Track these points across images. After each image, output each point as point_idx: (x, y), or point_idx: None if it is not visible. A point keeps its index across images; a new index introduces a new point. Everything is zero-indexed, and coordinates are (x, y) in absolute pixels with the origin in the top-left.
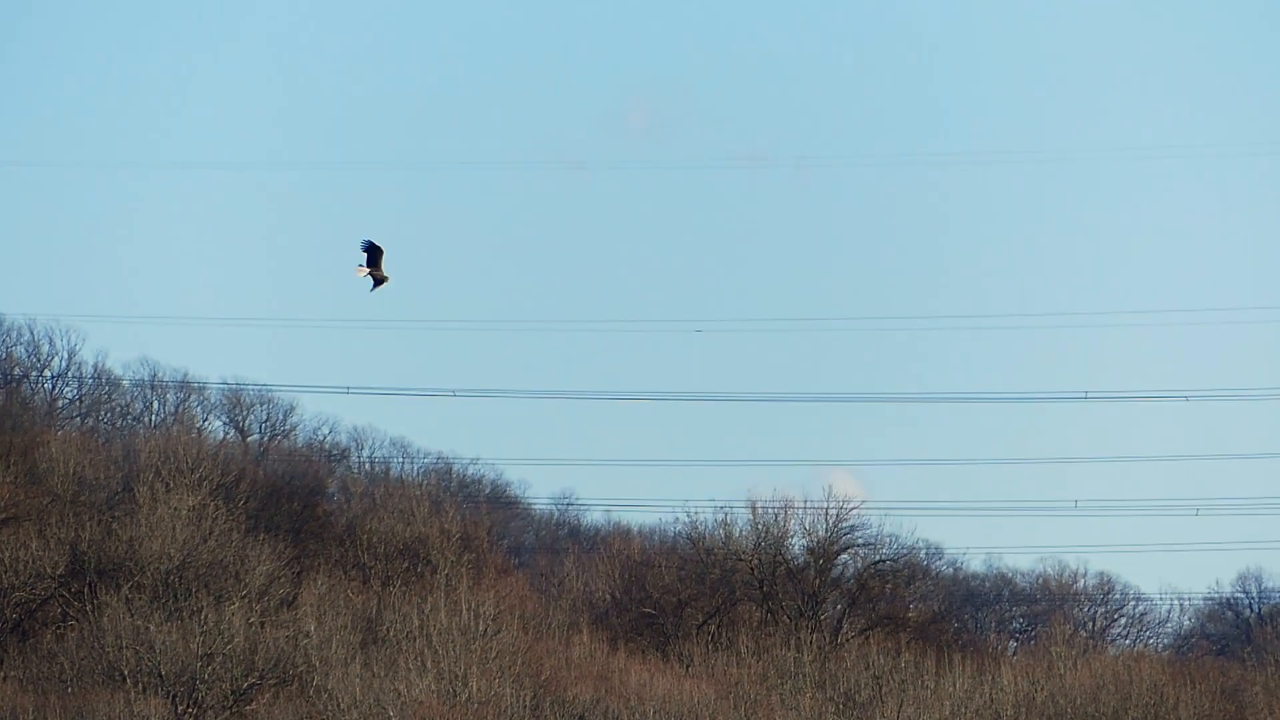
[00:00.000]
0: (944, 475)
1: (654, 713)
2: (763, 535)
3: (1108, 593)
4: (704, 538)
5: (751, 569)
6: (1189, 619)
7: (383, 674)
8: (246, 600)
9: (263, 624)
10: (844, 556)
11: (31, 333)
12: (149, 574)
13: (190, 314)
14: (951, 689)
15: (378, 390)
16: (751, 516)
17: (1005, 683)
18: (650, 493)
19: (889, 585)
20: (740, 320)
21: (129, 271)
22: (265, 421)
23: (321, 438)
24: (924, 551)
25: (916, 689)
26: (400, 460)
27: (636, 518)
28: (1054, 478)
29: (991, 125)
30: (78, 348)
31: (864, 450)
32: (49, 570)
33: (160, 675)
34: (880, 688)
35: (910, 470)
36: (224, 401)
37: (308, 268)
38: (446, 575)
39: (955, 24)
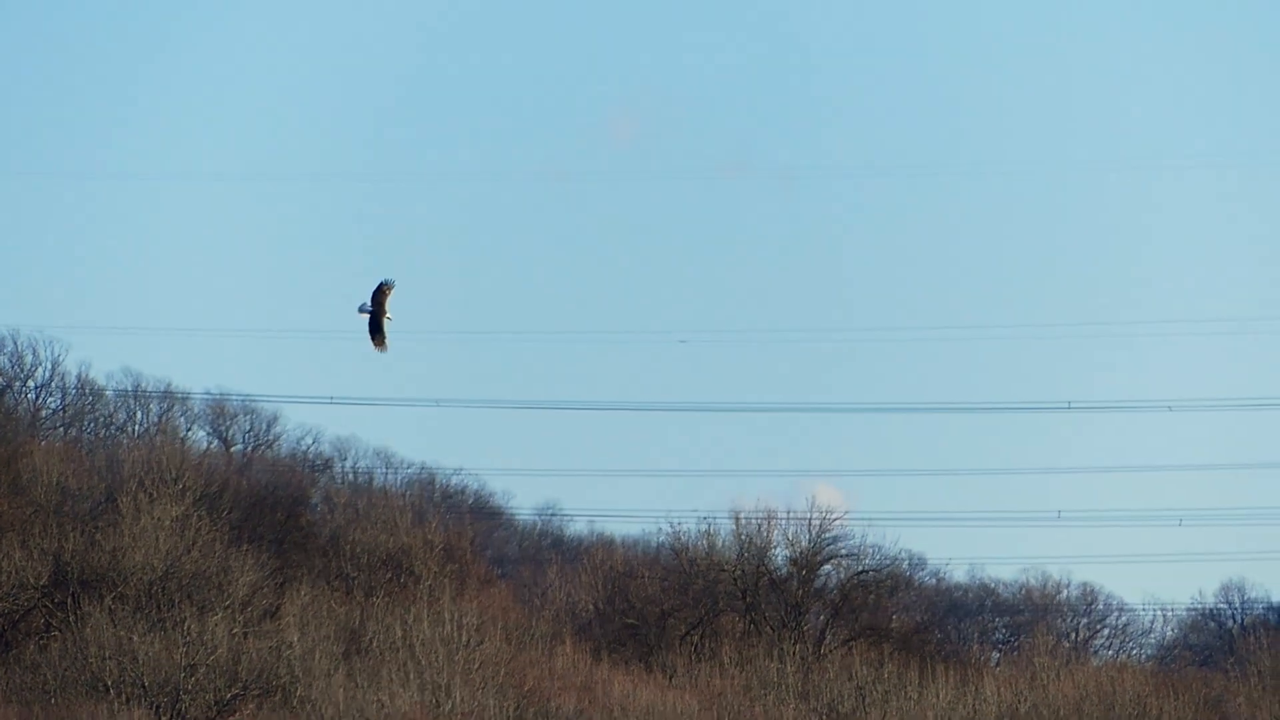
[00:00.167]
0: (927, 486)
1: None
2: (746, 546)
3: (1091, 603)
4: (687, 548)
5: (734, 580)
6: (1172, 630)
7: (366, 685)
8: (230, 611)
9: (246, 635)
10: (827, 567)
11: (14, 343)
12: (132, 584)
13: (173, 324)
14: (935, 700)
15: (361, 401)
16: (734, 527)
17: (988, 694)
18: (633, 503)
19: (872, 596)
20: (724, 330)
21: (112, 282)
22: (249, 432)
23: (305, 448)
24: (907, 562)
25: (900, 700)
26: (383, 471)
27: (620, 528)
28: (1037, 488)
29: (978, 136)
30: (61, 358)
31: (847, 460)
32: (32, 581)
33: (143, 686)
34: (863, 699)
35: (893, 480)
36: (207, 412)
37: (292, 278)
38: (430, 586)
39: (942, 34)
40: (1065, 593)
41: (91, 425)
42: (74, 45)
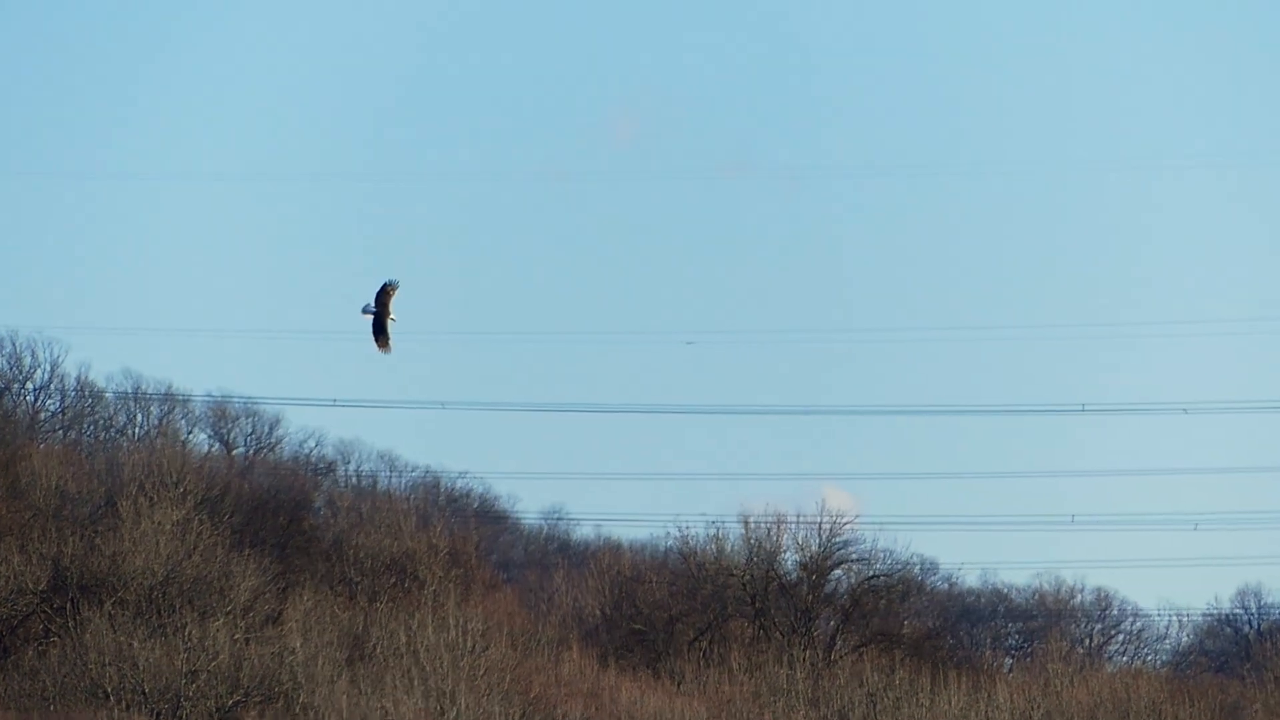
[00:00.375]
0: (939, 489)
1: None
2: (755, 550)
3: (1105, 608)
4: (695, 553)
5: (744, 584)
6: (1188, 635)
7: (369, 691)
8: (231, 616)
9: (248, 641)
10: (837, 572)
11: (13, 345)
12: (132, 590)
13: (174, 325)
14: (946, 707)
15: (365, 403)
16: (744, 531)
17: (1001, 700)
18: (641, 507)
19: (883, 601)
20: (732, 331)
21: (112, 282)
22: (250, 434)
23: (308, 451)
24: (919, 567)
25: (911, 707)
26: (387, 474)
27: (627, 532)
28: (1050, 491)
29: (986, 136)
30: (60, 360)
31: (858, 464)
32: (31, 586)
33: (144, 693)
34: (874, 705)
35: (905, 484)
36: (209, 414)
37: (293, 278)
38: (434, 591)
39: (945, 33)
40: (1079, 598)
41: (91, 428)
42: (74, 45)
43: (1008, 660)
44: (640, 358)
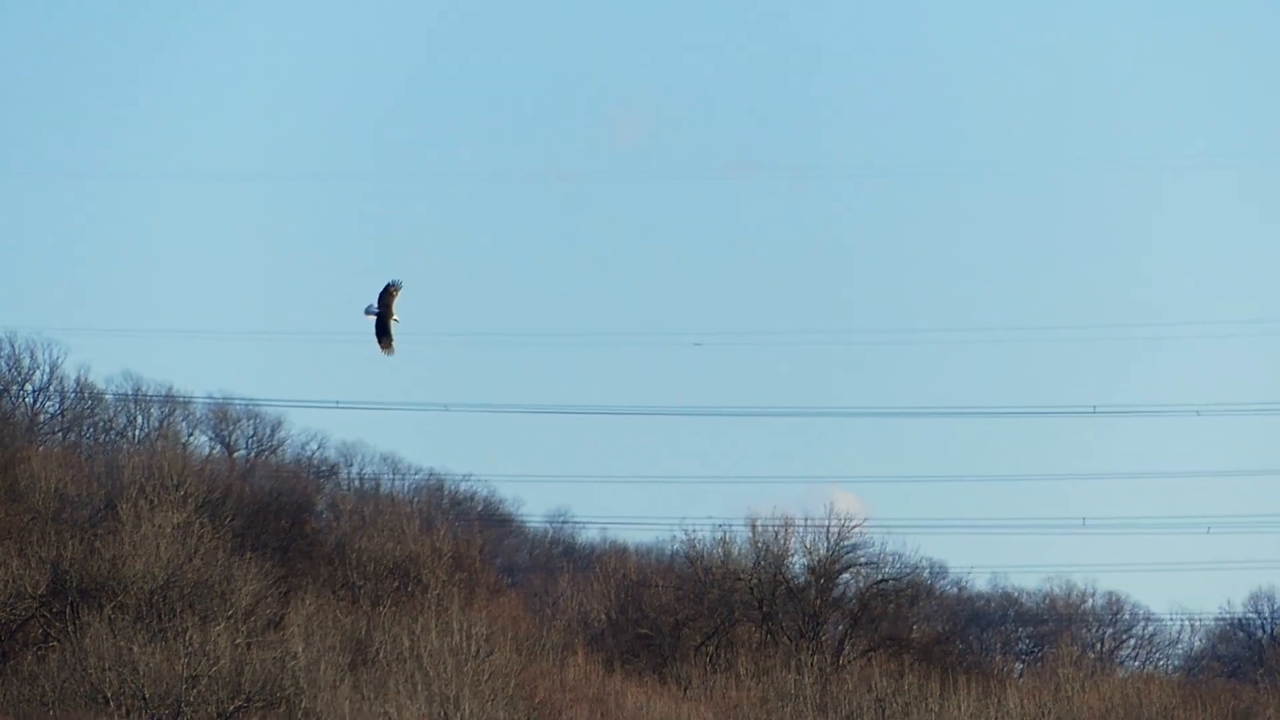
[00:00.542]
0: (948, 492)
1: None
2: (762, 554)
3: (1116, 613)
4: (702, 556)
5: (751, 589)
6: (1200, 640)
7: (372, 696)
8: (232, 621)
9: (249, 645)
10: (845, 576)
11: (12, 346)
12: (132, 594)
13: (175, 327)
14: (956, 712)
15: (367, 405)
16: (751, 535)
17: (1011, 706)
18: (647, 510)
19: (892, 605)
20: (739, 333)
21: (112, 283)
22: (252, 437)
23: (310, 454)
24: (928, 571)
25: (920, 712)
26: (391, 477)
27: (633, 536)
28: (1061, 494)
29: (994, 133)
30: (59, 361)
31: (866, 466)
32: (30, 590)
33: (144, 698)
34: (883, 711)
35: (913, 487)
36: (210, 416)
37: (295, 279)
38: (438, 595)
39: (951, 31)
40: (1090, 602)
41: (91, 430)
42: (74, 45)
43: (1018, 665)
44: (646, 359)
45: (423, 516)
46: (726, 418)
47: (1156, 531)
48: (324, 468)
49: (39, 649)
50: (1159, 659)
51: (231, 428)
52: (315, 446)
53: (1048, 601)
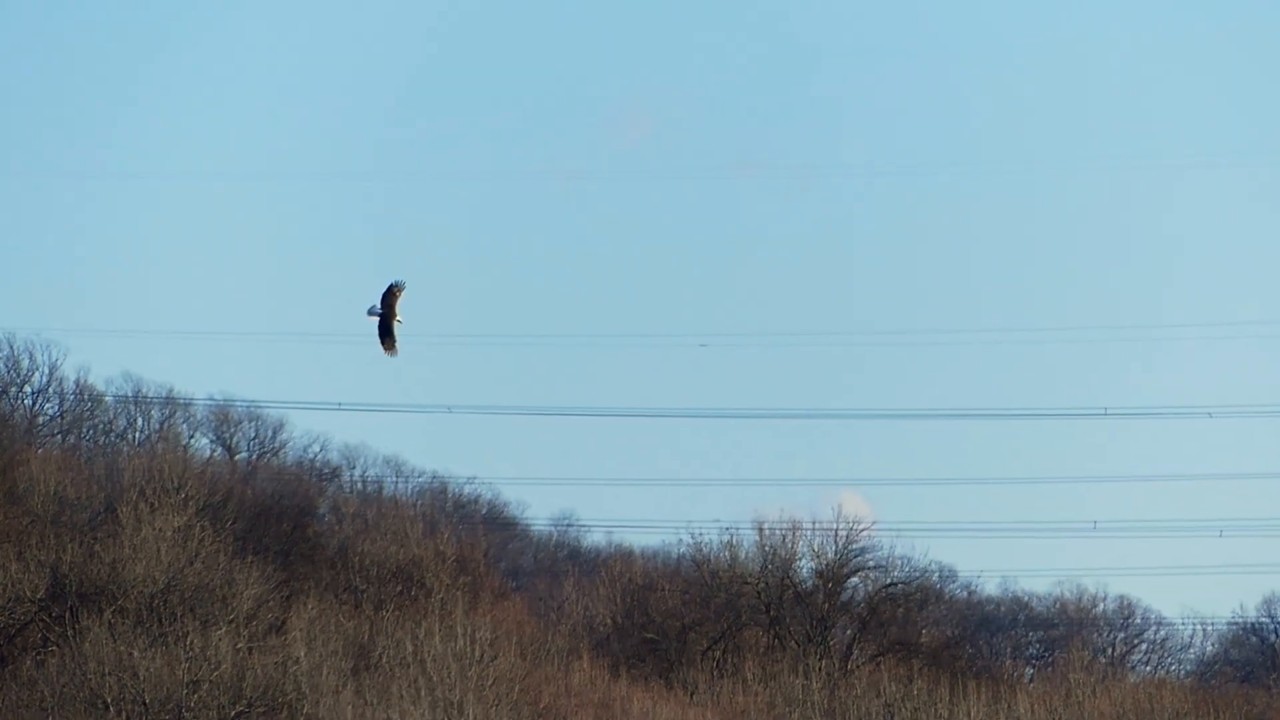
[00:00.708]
0: (958, 495)
1: None
2: (769, 557)
3: (1128, 617)
4: (709, 560)
5: (758, 593)
6: (1212, 645)
7: (375, 702)
8: (234, 625)
9: (251, 650)
10: (854, 579)
11: (11, 347)
12: (133, 598)
13: (175, 327)
14: (966, 718)
15: (370, 407)
16: (758, 538)
17: (1021, 711)
18: (653, 513)
19: (901, 609)
20: (745, 333)
21: (112, 284)
22: (253, 439)
23: (312, 456)
24: (937, 574)
25: (930, 718)
26: (394, 479)
27: (639, 539)
28: (1072, 497)
29: (1005, 132)
30: (59, 363)
31: (874, 469)
32: (29, 594)
33: (144, 703)
34: (892, 716)
35: (923, 489)
36: (210, 418)
37: (297, 280)
38: (441, 599)
39: (962, 28)
40: (1101, 606)
41: (90, 432)
42: (74, 45)
43: (1028, 670)
44: (651, 360)
45: (426, 519)
46: (732, 419)
47: (1168, 535)
48: (326, 470)
49: (38, 654)
50: (1171, 664)
51: (233, 430)
52: (317, 449)
53: (1058, 605)
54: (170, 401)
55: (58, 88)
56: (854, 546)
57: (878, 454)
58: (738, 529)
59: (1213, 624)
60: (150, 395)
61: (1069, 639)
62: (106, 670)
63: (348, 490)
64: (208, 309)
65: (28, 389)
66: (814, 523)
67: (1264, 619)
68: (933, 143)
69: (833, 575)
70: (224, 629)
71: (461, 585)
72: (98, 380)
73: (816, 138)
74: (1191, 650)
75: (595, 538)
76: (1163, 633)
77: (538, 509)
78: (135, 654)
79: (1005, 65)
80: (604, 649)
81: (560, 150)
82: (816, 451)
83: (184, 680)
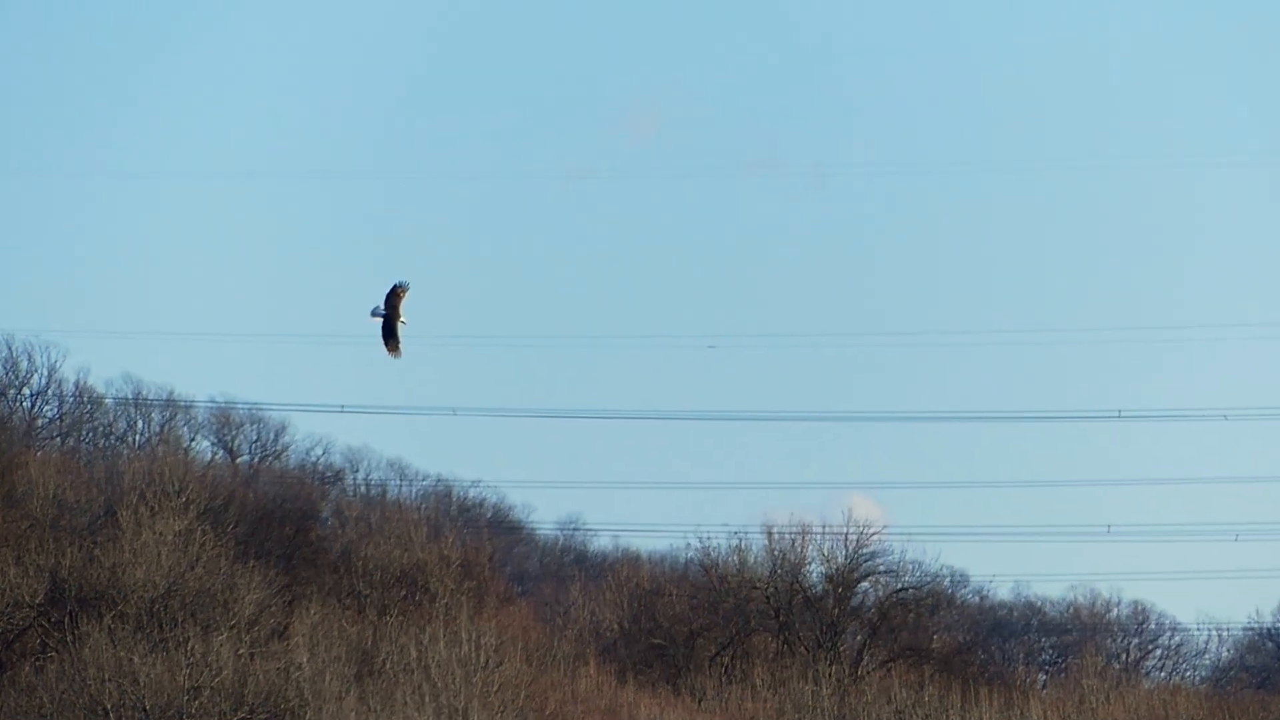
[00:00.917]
0: (969, 498)
1: None
2: (779, 562)
3: (1142, 623)
4: (717, 564)
5: (767, 597)
6: (1228, 650)
7: (379, 708)
8: (235, 630)
9: (252, 655)
10: (864, 584)
11: (9, 349)
12: (133, 603)
13: (176, 329)
14: None
15: (374, 409)
16: (767, 542)
17: (1034, 717)
18: (660, 517)
19: (912, 615)
20: (755, 335)
21: (112, 284)
22: (255, 442)
23: (315, 459)
24: (949, 579)
25: None
26: (397, 483)
27: (646, 543)
28: (1086, 501)
29: (1020, 132)
30: (58, 364)
31: (885, 472)
32: (27, 599)
33: (145, 709)
34: None
35: (934, 493)
36: (212, 421)
37: (300, 280)
38: (446, 604)
39: (979, 26)
40: (1115, 611)
41: (90, 435)
42: (74, 45)
43: (1041, 676)
44: (660, 362)
45: (430, 523)
46: (742, 422)
47: (1183, 539)
48: (329, 473)
49: (37, 659)
50: (1186, 670)
51: (234, 432)
52: (320, 452)
53: (1072, 611)
54: (171, 404)
55: (58, 88)
56: (864, 551)
57: (888, 457)
58: (746, 533)
59: (1228, 629)
60: (151, 397)
61: (1082, 644)
62: (106, 676)
63: (351, 494)
64: (209, 310)
65: (27, 391)
66: (824, 527)
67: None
68: (945, 142)
69: (843, 580)
70: (225, 634)
71: (466, 590)
72: (97, 382)
73: (827, 136)
74: (1207, 656)
75: (602, 542)
76: (1177, 638)
77: (543, 512)
78: (135, 660)
79: (1020, 63)
80: (611, 655)
81: (566, 149)
82: (826, 454)
83: (185, 686)
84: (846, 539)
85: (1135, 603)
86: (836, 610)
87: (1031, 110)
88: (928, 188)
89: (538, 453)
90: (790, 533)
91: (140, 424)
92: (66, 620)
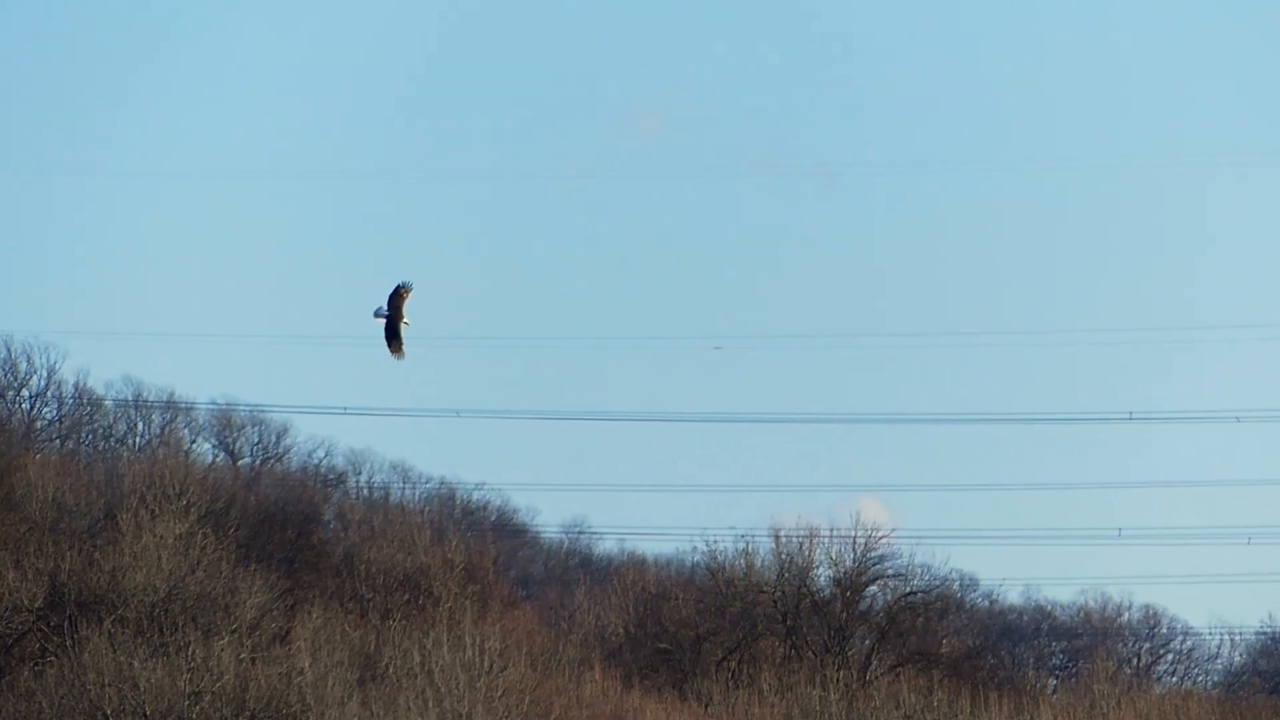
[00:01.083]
0: (979, 501)
1: None
2: (786, 566)
3: (1154, 627)
4: (724, 568)
5: (774, 601)
6: (1240, 655)
7: (382, 713)
8: (237, 635)
9: (254, 660)
10: (873, 588)
11: (8, 350)
12: (133, 607)
13: (177, 330)
14: None
15: (377, 411)
16: (774, 546)
17: None
18: (667, 520)
19: (921, 619)
20: (762, 336)
21: (112, 285)
22: (257, 444)
23: (317, 461)
24: (958, 583)
25: None
26: (400, 485)
27: (652, 547)
28: (1096, 504)
29: (1030, 131)
30: (57, 366)
31: (894, 475)
32: (26, 602)
33: (145, 715)
34: None
35: (943, 496)
36: (213, 423)
37: (302, 281)
38: (450, 608)
39: (989, 22)
40: (1126, 615)
41: (90, 437)
42: (74, 45)
43: (1051, 681)
44: (666, 363)
45: (434, 527)
46: (749, 424)
47: (1195, 542)
48: (331, 476)
49: (36, 664)
50: (1198, 675)
51: (235, 435)
52: (322, 454)
53: (1082, 615)
54: (171, 405)
55: (58, 88)
56: (873, 554)
57: (897, 459)
58: (754, 536)
59: (1241, 633)
60: (151, 399)
61: (1093, 649)
62: (106, 681)
63: (353, 496)
64: (210, 311)
65: (25, 392)
66: (832, 530)
67: None
68: (953, 141)
69: (851, 584)
70: (227, 639)
71: (470, 594)
72: (97, 384)
73: (833, 135)
74: (1219, 660)
75: (607, 545)
76: (1189, 642)
77: (548, 516)
78: (136, 665)
79: (1030, 61)
80: (616, 659)
81: (570, 148)
82: (834, 457)
83: (185, 691)
84: (855, 542)
85: (1147, 607)
86: (844, 614)
87: (1041, 109)
88: (936, 187)
89: (542, 455)
90: (798, 536)
91: (140, 426)
92: (66, 624)
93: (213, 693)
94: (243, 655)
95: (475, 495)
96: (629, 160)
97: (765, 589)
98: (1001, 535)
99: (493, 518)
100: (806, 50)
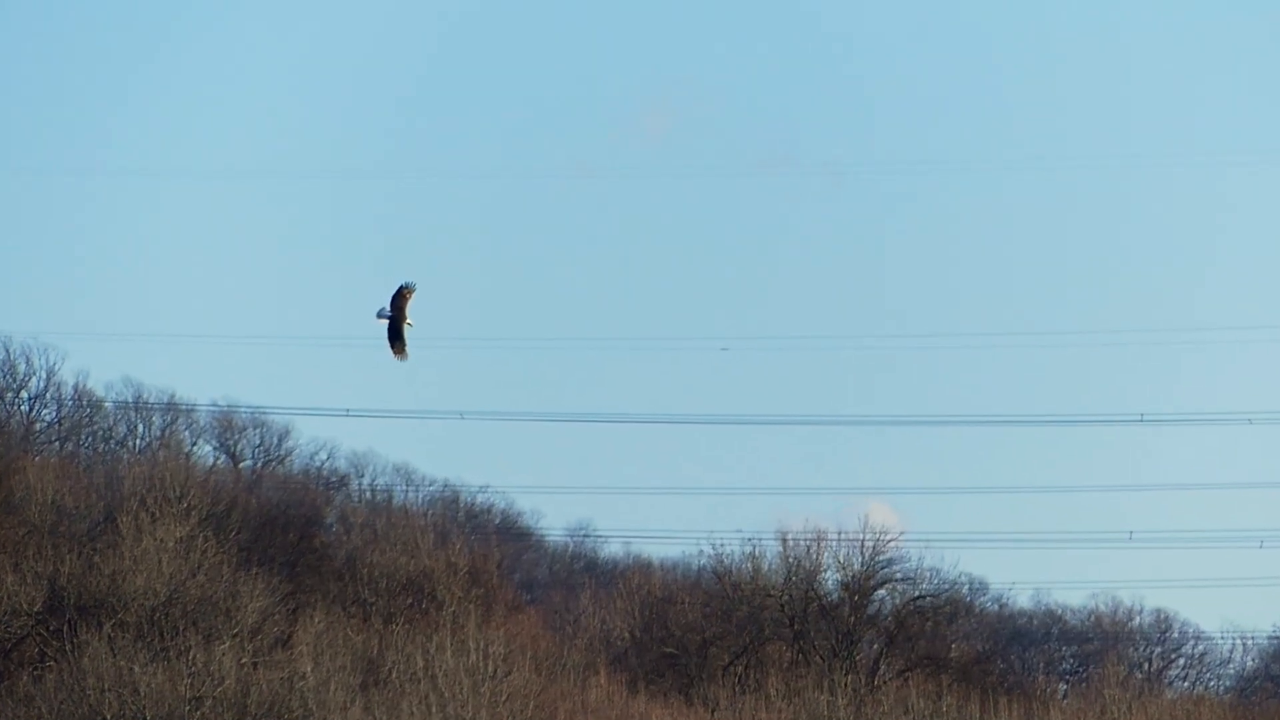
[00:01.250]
0: (988, 504)
1: None
2: (793, 569)
3: (1165, 631)
4: (730, 572)
5: (781, 605)
6: (1253, 659)
7: (385, 718)
8: (238, 639)
9: (255, 665)
10: (881, 592)
11: (7, 351)
12: (133, 611)
13: (177, 331)
14: None
15: (379, 413)
16: (781, 549)
17: None
18: (672, 523)
19: (929, 623)
20: (769, 337)
21: (112, 285)
22: (258, 446)
23: (319, 464)
24: (967, 586)
25: None
26: (403, 488)
27: (657, 550)
28: (1107, 507)
29: (1041, 130)
30: (57, 367)
31: (902, 477)
32: (25, 607)
33: None
34: None
35: (952, 499)
36: (214, 425)
37: (304, 281)
38: (453, 612)
39: (1000, 21)
40: (1138, 619)
41: (89, 439)
42: (74, 44)
43: (1062, 686)
44: (671, 365)
45: (437, 530)
46: (755, 426)
47: (1207, 545)
48: (334, 479)
49: (35, 669)
50: (1209, 679)
51: (237, 437)
52: (324, 456)
53: (1093, 619)
54: (172, 407)
55: (58, 88)
56: (881, 558)
57: (906, 462)
58: (760, 540)
59: (1253, 638)
60: (151, 401)
61: (1104, 653)
62: (106, 686)
63: (356, 499)
64: (211, 312)
65: (24, 394)
66: (840, 533)
67: None
68: (962, 140)
69: (859, 587)
70: (228, 643)
71: (474, 598)
72: (97, 385)
73: (842, 134)
74: (1231, 665)
75: (613, 548)
76: (1201, 647)
77: (553, 519)
78: (136, 669)
79: (1040, 60)
80: (622, 664)
81: (576, 148)
82: (842, 459)
83: (186, 696)
84: (863, 546)
85: (1158, 610)
86: (852, 618)
87: (1049, 109)
88: (945, 187)
89: (547, 457)
90: (805, 539)
91: (141, 428)
92: (65, 629)
93: (214, 698)
94: (244, 660)
95: (479, 498)
96: (634, 160)
97: (772, 593)
98: (1011, 538)
99: (497, 521)
100: (813, 50)
